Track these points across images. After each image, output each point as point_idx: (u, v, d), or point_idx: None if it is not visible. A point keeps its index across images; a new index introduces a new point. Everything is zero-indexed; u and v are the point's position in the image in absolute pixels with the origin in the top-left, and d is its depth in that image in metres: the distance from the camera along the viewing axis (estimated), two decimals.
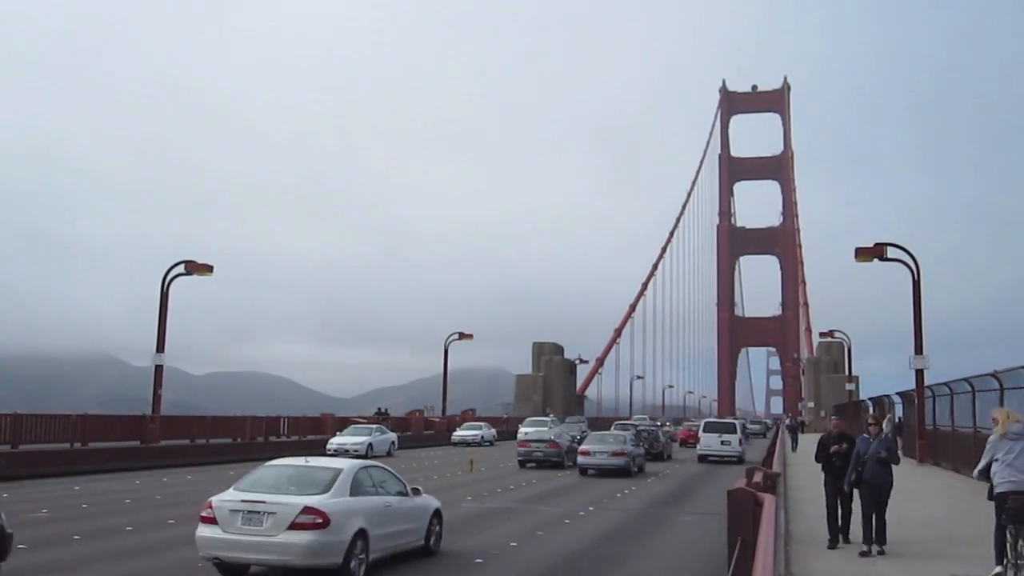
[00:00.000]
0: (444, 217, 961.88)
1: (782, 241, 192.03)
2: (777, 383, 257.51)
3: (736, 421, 49.78)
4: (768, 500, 9.78)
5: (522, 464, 35.29)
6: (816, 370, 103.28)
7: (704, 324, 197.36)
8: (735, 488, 10.23)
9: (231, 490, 11.97)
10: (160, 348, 36.28)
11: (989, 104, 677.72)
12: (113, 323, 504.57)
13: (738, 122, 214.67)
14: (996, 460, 10.17)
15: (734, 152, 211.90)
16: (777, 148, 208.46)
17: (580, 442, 35.66)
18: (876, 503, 12.55)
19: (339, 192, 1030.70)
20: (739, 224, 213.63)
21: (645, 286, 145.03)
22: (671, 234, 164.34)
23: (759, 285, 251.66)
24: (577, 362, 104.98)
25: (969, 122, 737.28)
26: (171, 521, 17.44)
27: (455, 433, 56.14)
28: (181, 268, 35.94)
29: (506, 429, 64.30)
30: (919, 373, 34.94)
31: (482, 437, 55.72)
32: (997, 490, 10.07)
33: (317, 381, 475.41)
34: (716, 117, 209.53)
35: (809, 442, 15.42)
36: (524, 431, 45.26)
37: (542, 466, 34.96)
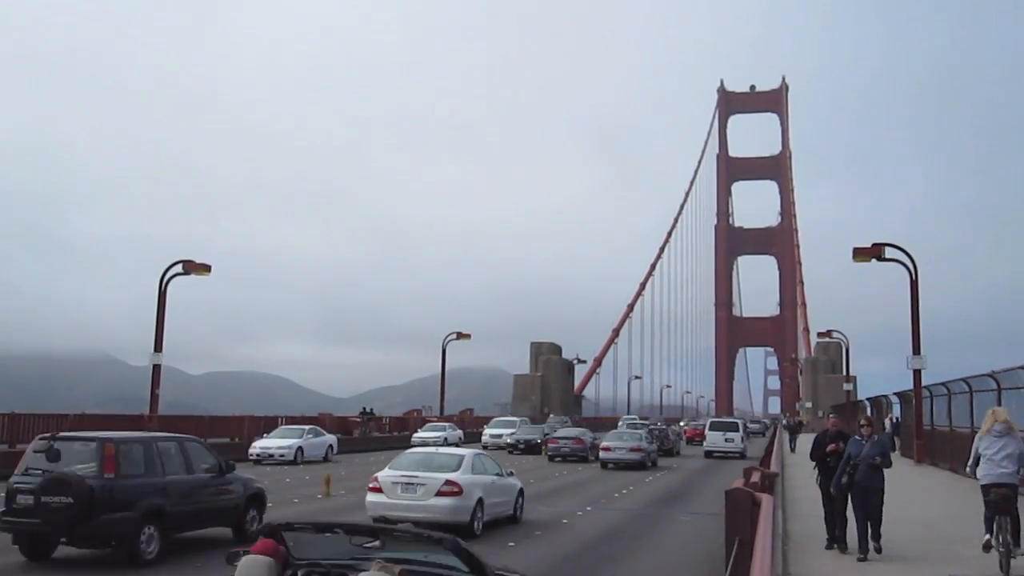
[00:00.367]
0: (445, 217, 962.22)
1: (780, 241, 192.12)
2: (775, 383, 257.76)
3: (739, 420, 53.09)
4: (766, 500, 9.81)
5: (551, 459, 39.65)
6: (814, 370, 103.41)
7: (702, 324, 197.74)
8: (733, 488, 10.25)
9: (387, 469, 17.04)
10: (158, 348, 36.25)
11: (988, 104, 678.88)
12: (112, 322, 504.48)
13: (736, 122, 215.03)
14: (981, 455, 11.32)
15: (732, 152, 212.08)
16: (775, 148, 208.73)
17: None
18: (868, 508, 12.19)
19: (341, 192, 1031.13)
20: (737, 224, 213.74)
21: (643, 286, 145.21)
22: (669, 234, 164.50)
23: (757, 285, 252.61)
24: (575, 362, 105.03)
25: (968, 122, 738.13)
26: None
27: (415, 435, 49.56)
28: (179, 268, 35.93)
29: (475, 430, 56.65)
30: (917, 373, 34.99)
31: (445, 439, 48.50)
32: (981, 483, 11.32)
33: (315, 381, 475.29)
34: (714, 117, 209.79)
35: (808, 442, 15.52)
36: (490, 432, 47.39)
37: (568, 460, 39.16)
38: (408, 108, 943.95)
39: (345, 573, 6.12)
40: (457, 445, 50.13)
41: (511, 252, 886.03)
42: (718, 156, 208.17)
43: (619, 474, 32.62)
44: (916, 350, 34.98)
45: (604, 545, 15.65)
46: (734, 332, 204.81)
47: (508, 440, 47.47)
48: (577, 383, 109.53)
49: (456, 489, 15.87)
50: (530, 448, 45.77)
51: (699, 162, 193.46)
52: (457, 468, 16.61)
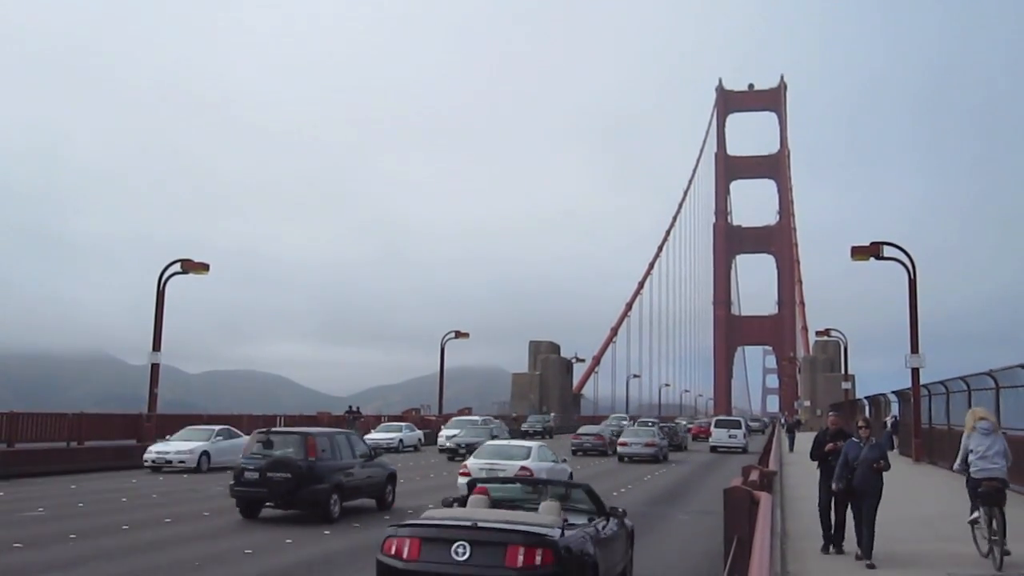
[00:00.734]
0: (446, 215, 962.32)
1: (778, 240, 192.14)
2: (773, 382, 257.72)
3: (740, 419, 57.63)
4: (764, 499, 9.81)
5: (574, 453, 42.28)
6: (812, 369, 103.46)
7: (700, 323, 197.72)
8: (731, 487, 10.25)
9: (472, 459, 22.29)
10: (156, 347, 36.27)
11: (987, 102, 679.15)
12: (111, 322, 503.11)
13: (735, 121, 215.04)
14: (971, 452, 12.09)
15: (731, 151, 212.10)
16: (774, 147, 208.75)
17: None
18: (866, 511, 11.90)
19: (342, 190, 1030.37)
20: (735, 223, 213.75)
21: (641, 285, 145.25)
22: (667, 233, 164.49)
23: (756, 284, 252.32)
24: (574, 361, 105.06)
25: (967, 120, 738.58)
26: (167, 520, 17.42)
27: (366, 437, 40.20)
28: (177, 267, 35.93)
29: (433, 431, 51.23)
30: (915, 372, 35.02)
31: (400, 441, 44.53)
32: (973, 477, 12.07)
33: (314, 380, 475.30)
34: (712, 116, 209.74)
35: (807, 441, 15.67)
36: (448, 432, 44.58)
37: (588, 454, 42.73)
38: (409, 106, 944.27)
39: (522, 506, 10.74)
40: (416, 448, 46.59)
41: (511, 251, 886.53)
42: (716, 155, 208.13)
43: (634, 467, 35.65)
44: (914, 349, 35.01)
45: None
46: (733, 331, 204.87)
47: (448, 444, 40.34)
48: (576, 382, 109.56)
49: (529, 473, 19.88)
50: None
51: (697, 161, 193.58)
52: (527, 457, 22.00)
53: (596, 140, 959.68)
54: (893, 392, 43.08)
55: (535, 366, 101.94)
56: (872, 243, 34.55)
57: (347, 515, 18.25)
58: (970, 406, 26.22)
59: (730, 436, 48.90)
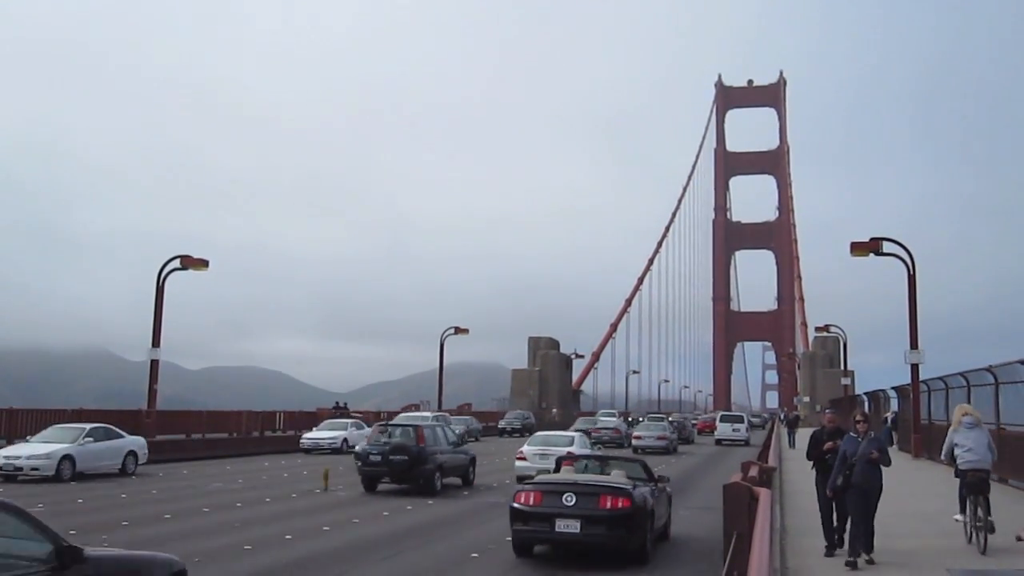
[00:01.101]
0: (448, 210, 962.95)
1: (778, 236, 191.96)
2: (773, 378, 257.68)
3: (743, 415, 62.92)
4: (764, 495, 9.81)
5: (593, 445, 45.46)
6: (812, 365, 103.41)
7: (700, 319, 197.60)
8: (731, 483, 10.25)
9: (527, 445, 26.73)
10: (156, 343, 36.25)
11: (987, 97, 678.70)
12: (111, 318, 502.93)
13: (734, 117, 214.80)
14: (956, 445, 12.98)
15: (730, 147, 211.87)
16: (773, 143, 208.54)
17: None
18: (865, 509, 11.51)
19: (346, 186, 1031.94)
20: (735, 219, 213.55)
21: (641, 280, 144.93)
22: (667, 228, 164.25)
23: (755, 280, 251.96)
24: (573, 357, 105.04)
25: (967, 115, 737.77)
26: (167, 516, 17.44)
27: (305, 436, 40.61)
28: (176, 263, 35.89)
29: None
30: (914, 368, 35.00)
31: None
32: (960, 468, 12.94)
33: (314, 376, 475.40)
34: (712, 111, 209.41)
35: (807, 437, 15.71)
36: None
37: (607, 446, 43.98)
38: (412, 102, 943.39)
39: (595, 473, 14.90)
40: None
41: (512, 246, 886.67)
42: (716, 151, 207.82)
43: (646, 458, 37.70)
44: (914, 345, 34.99)
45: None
46: (732, 326, 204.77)
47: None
48: (575, 378, 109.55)
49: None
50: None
51: (697, 156, 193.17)
52: (571, 444, 26.13)
53: (597, 136, 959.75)
54: (892, 388, 43.07)
55: (534, 362, 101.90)
56: (871, 239, 34.51)
57: (443, 489, 23.33)
58: (969, 402, 26.33)
59: (733, 430, 53.21)
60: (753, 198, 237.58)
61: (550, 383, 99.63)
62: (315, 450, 39.35)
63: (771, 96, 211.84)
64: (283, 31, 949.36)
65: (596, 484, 13.45)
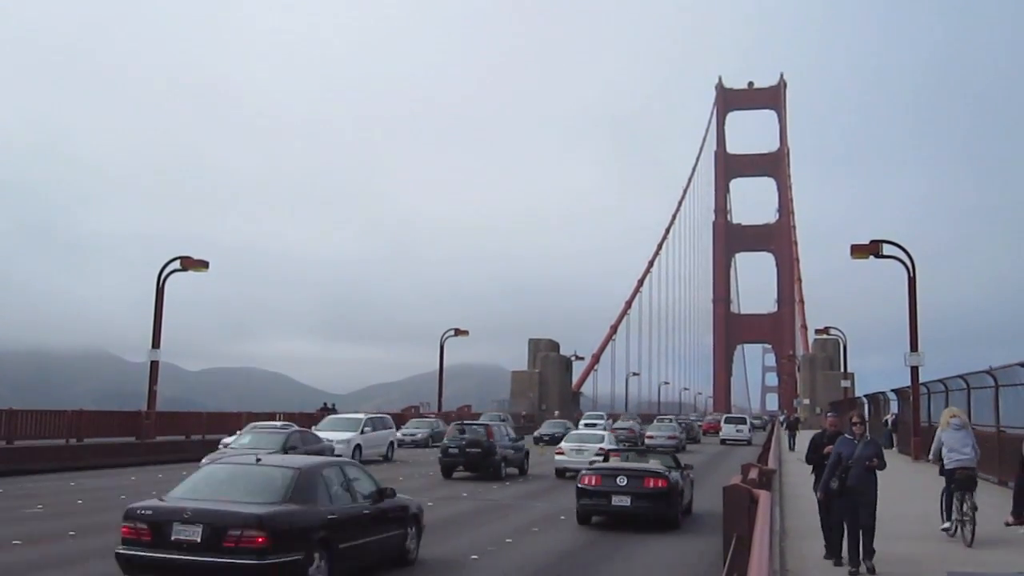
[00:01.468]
0: (450, 211, 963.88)
1: (778, 238, 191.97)
2: (772, 380, 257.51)
3: (746, 416, 70.47)
4: (764, 497, 9.79)
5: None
6: (811, 367, 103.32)
7: (700, 321, 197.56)
8: (731, 485, 10.23)
9: (564, 442, 30.42)
10: (156, 344, 36.24)
11: (987, 99, 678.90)
12: (112, 319, 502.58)
13: (734, 119, 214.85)
14: (944, 445, 13.77)
15: (731, 149, 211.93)
16: (773, 145, 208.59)
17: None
18: (860, 513, 11.15)
19: (349, 187, 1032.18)
20: (735, 221, 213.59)
21: (641, 282, 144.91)
22: (667, 230, 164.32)
23: (755, 282, 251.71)
24: (573, 359, 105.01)
25: (969, 117, 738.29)
26: None
27: (223, 441, 31.04)
28: (176, 264, 35.89)
29: None
30: (914, 370, 34.99)
31: (287, 447, 31.11)
32: (947, 467, 13.66)
33: (314, 377, 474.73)
34: (712, 114, 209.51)
35: (807, 440, 15.86)
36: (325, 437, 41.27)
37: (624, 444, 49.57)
38: (414, 103, 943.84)
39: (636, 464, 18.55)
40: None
41: (513, 248, 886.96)
42: (716, 153, 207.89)
43: None
44: (914, 347, 34.98)
45: (604, 540, 15.70)
46: (732, 329, 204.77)
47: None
48: (575, 379, 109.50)
49: (606, 452, 25.42)
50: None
51: (697, 159, 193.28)
52: (603, 441, 29.90)
53: (601, 137, 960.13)
54: (892, 390, 43.06)
55: (534, 364, 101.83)
56: (871, 241, 34.52)
57: (509, 477, 28.47)
58: (969, 404, 26.37)
59: (737, 431, 58.14)
60: (753, 200, 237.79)
61: (550, 385, 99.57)
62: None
63: (771, 98, 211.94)
64: (286, 32, 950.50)
65: (641, 469, 17.83)
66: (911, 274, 34.83)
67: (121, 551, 10.01)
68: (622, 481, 17.17)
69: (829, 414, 14.76)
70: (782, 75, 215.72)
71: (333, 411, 50.06)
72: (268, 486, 10.60)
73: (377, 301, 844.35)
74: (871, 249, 34.31)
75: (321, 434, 30.94)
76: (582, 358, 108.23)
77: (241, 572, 9.56)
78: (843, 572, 11.22)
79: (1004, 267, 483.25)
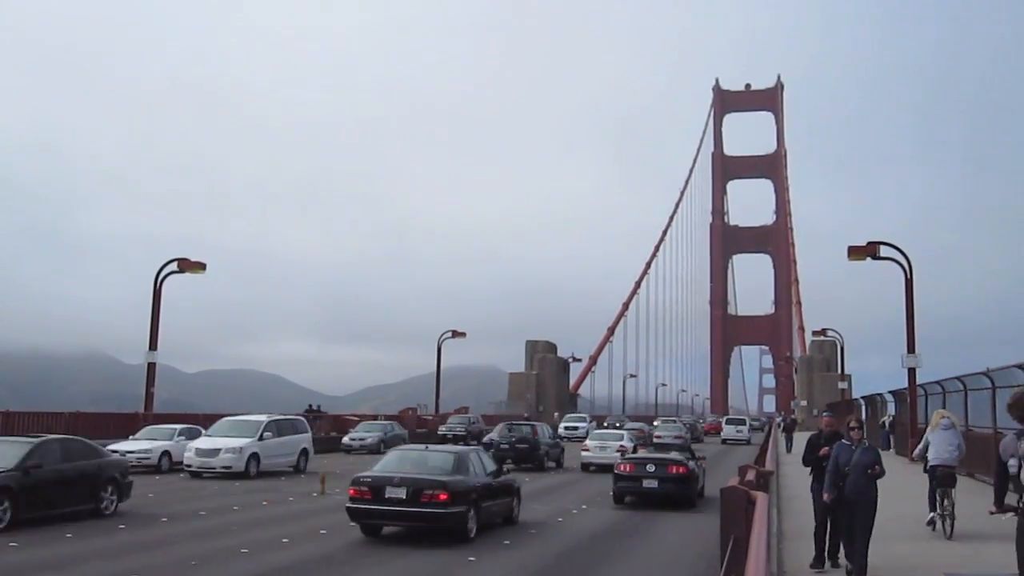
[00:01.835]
0: (451, 213, 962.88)
1: (775, 239, 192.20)
2: (770, 382, 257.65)
3: (745, 418, 75.91)
4: (761, 498, 9.79)
5: None
6: (809, 369, 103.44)
7: (697, 323, 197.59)
8: (728, 487, 10.23)
9: (589, 440, 34.40)
10: (153, 346, 36.22)
11: (986, 100, 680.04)
12: (110, 320, 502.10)
13: (732, 121, 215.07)
14: (930, 444, 14.92)
15: (728, 151, 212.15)
16: (770, 147, 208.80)
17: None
18: (860, 522, 10.81)
19: (350, 188, 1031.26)
20: (732, 222, 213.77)
21: (638, 284, 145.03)
22: (664, 232, 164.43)
23: (752, 284, 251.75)
24: (570, 360, 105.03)
25: (965, 119, 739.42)
26: (163, 519, 17.41)
27: (120, 446, 27.18)
28: (174, 266, 35.87)
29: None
30: (911, 372, 35.02)
31: (166, 456, 28.81)
32: (931, 464, 14.84)
33: (311, 379, 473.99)
34: (709, 115, 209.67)
35: (804, 442, 16.09)
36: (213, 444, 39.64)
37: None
38: (415, 105, 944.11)
39: (661, 455, 22.51)
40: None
41: (512, 249, 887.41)
42: (713, 154, 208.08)
43: None
44: (911, 349, 35.01)
45: (602, 542, 15.70)
46: (729, 330, 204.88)
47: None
48: (573, 381, 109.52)
49: (627, 447, 30.85)
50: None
51: (694, 161, 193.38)
52: (623, 439, 33.26)
53: (600, 139, 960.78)
54: (890, 392, 43.09)
55: (532, 366, 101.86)
56: (869, 243, 34.54)
57: (548, 469, 33.21)
58: (967, 406, 26.43)
59: (737, 431, 63.23)
60: (751, 202, 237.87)
61: (547, 387, 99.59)
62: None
63: (769, 100, 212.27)
64: (289, 33, 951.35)
65: (666, 458, 21.92)
66: (908, 276, 34.86)
67: (349, 505, 15.37)
68: (650, 468, 21.40)
69: (824, 414, 14.78)
70: (779, 77, 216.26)
71: (319, 413, 49.39)
72: (441, 464, 15.88)
73: (375, 302, 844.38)
74: (868, 251, 34.34)
75: (212, 439, 27.85)
76: (579, 360, 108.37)
77: (432, 517, 14.96)
78: (840, 573, 11.22)
79: (1001, 269, 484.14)
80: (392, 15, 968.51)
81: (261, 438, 28.35)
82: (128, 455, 25.34)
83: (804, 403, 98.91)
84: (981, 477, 22.73)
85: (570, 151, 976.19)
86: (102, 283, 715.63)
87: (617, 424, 65.21)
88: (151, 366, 36.21)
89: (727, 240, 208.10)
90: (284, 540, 15.05)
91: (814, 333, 76.51)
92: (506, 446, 32.81)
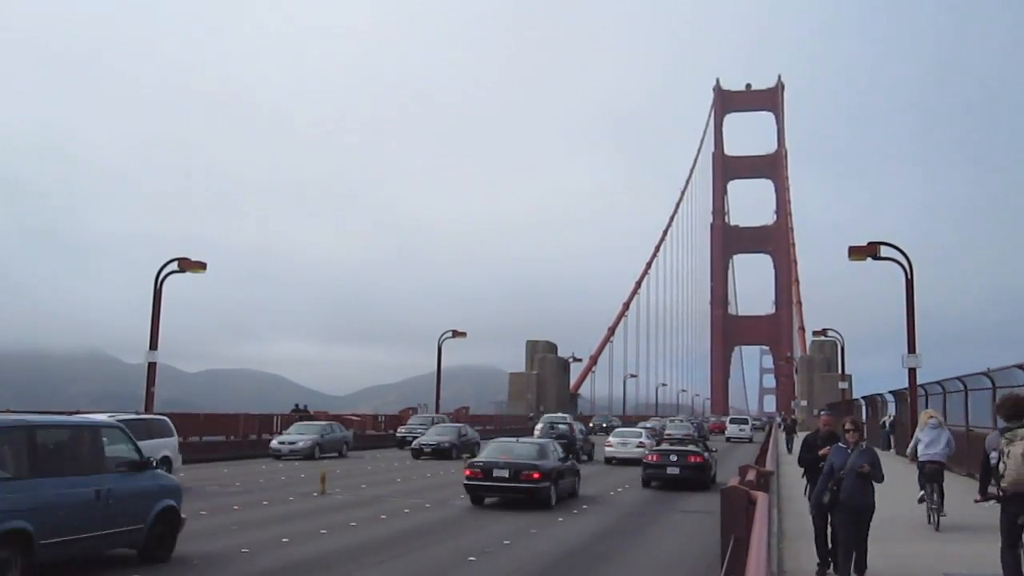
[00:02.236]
0: (452, 213, 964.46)
1: (775, 239, 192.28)
2: (770, 382, 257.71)
3: (747, 417, 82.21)
4: (761, 498, 9.77)
5: None
6: (809, 369, 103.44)
7: (697, 322, 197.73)
8: (728, 486, 10.22)
9: (611, 436, 39.71)
10: (153, 346, 36.18)
11: (985, 101, 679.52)
12: (112, 320, 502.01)
13: (732, 121, 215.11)
14: (920, 442, 16.07)
15: (728, 151, 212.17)
16: (771, 147, 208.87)
17: None
18: (855, 529, 10.28)
19: (353, 188, 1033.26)
20: (733, 223, 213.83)
21: (639, 284, 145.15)
22: (664, 232, 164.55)
23: (753, 284, 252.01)
24: (571, 360, 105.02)
25: (965, 119, 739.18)
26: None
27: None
28: (174, 266, 35.80)
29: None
30: (912, 372, 34.96)
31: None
32: (920, 460, 15.94)
33: (312, 379, 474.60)
34: (710, 116, 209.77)
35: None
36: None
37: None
38: (417, 106, 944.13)
39: (669, 451, 27.32)
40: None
41: (513, 249, 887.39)
42: (714, 155, 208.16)
43: None
44: (911, 349, 34.93)
45: (599, 543, 15.71)
46: (729, 330, 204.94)
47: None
48: (573, 381, 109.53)
49: (645, 443, 35.93)
50: None
51: (695, 161, 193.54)
52: (641, 436, 38.18)
53: (601, 139, 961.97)
54: (890, 392, 43.06)
55: (532, 366, 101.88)
56: (869, 243, 34.44)
57: (582, 461, 34.84)
58: (967, 406, 26.46)
59: (740, 430, 67.50)
60: (751, 202, 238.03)
61: (548, 387, 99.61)
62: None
63: (769, 100, 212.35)
64: (293, 34, 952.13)
65: (685, 449, 27.16)
66: (909, 276, 34.80)
67: (466, 482, 20.91)
68: (673, 458, 26.36)
69: (823, 412, 14.77)
70: (780, 77, 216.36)
71: (306, 413, 48.68)
72: (529, 452, 21.55)
73: (376, 302, 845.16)
74: (869, 251, 34.25)
75: None
76: (580, 360, 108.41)
77: (527, 491, 20.38)
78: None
79: (1003, 268, 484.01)
80: (394, 16, 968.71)
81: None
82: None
83: (804, 403, 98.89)
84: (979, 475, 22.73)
85: (571, 152, 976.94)
86: (103, 283, 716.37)
87: (604, 425, 70.72)
88: (151, 366, 36.16)
89: (728, 240, 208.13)
90: (284, 540, 15.05)
91: (814, 333, 76.39)
92: None
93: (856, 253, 34.28)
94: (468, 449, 39.93)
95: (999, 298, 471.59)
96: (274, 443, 37.79)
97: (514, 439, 24.20)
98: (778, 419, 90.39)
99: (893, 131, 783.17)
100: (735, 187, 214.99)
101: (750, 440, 63.06)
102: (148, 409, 35.47)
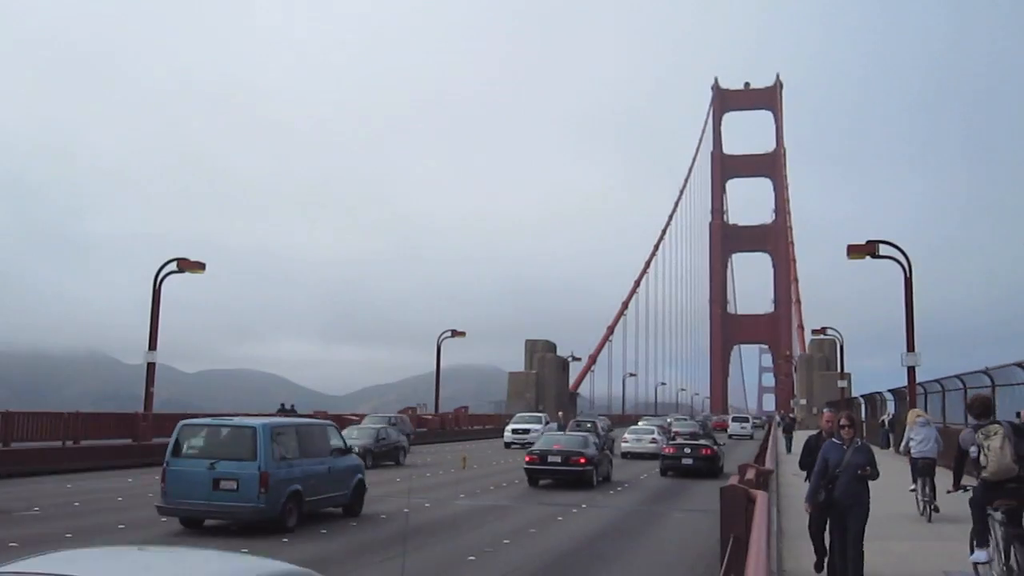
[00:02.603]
0: (453, 213, 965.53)
1: (774, 238, 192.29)
2: (769, 380, 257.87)
3: (748, 416, 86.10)
4: (761, 497, 9.78)
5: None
6: (808, 367, 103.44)
7: (697, 321, 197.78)
8: (728, 485, 10.23)
9: (627, 433, 43.24)
10: (152, 346, 36.19)
11: (983, 100, 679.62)
12: (112, 320, 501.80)
13: (731, 119, 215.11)
14: (911, 439, 17.27)
15: (727, 150, 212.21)
16: (770, 145, 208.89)
17: None
18: (850, 528, 9.88)
19: (354, 188, 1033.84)
20: (731, 221, 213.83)
21: (638, 283, 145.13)
22: (663, 231, 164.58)
23: (752, 282, 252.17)
24: (570, 360, 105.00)
25: (964, 118, 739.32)
26: (163, 519, 17.39)
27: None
28: (173, 266, 35.82)
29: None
30: (911, 370, 34.99)
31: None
32: (913, 456, 17.11)
33: (312, 379, 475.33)
34: (709, 114, 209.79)
35: (804, 440, 16.44)
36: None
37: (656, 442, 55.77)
38: (418, 107, 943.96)
39: (684, 445, 31.35)
40: None
41: (513, 249, 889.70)
42: (713, 153, 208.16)
43: None
44: (910, 347, 34.97)
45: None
46: (728, 329, 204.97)
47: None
48: (572, 380, 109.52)
49: (657, 439, 40.09)
50: None
51: (694, 160, 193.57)
52: (654, 432, 41.82)
53: (602, 139, 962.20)
54: (889, 390, 43.09)
55: (531, 365, 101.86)
56: (868, 241, 34.48)
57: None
58: (966, 404, 26.48)
59: (741, 428, 71.80)
60: (750, 201, 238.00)
61: (547, 386, 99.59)
62: None
63: (768, 99, 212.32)
64: (294, 34, 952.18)
65: (698, 443, 30.87)
66: (908, 274, 34.82)
67: (526, 467, 25.77)
68: (687, 450, 30.19)
69: (825, 410, 14.79)
70: (778, 76, 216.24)
71: (293, 412, 48.08)
72: (574, 441, 27.03)
73: (376, 302, 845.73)
74: (867, 249, 34.28)
75: None
76: (579, 359, 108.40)
77: (575, 473, 25.32)
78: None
79: (1001, 267, 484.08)
80: (399, 15, 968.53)
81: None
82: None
83: (804, 402, 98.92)
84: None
85: (571, 151, 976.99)
86: (103, 283, 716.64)
87: (589, 424, 67.54)
88: (151, 366, 36.18)
89: (727, 239, 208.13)
90: (284, 540, 15.05)
91: (813, 332, 76.42)
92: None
93: (855, 252, 34.30)
94: (389, 456, 34.24)
95: (998, 297, 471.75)
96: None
97: (561, 432, 29.96)
98: (777, 418, 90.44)
99: (892, 130, 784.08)
100: (734, 186, 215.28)
101: (751, 437, 66.84)
102: (147, 409, 35.45)
